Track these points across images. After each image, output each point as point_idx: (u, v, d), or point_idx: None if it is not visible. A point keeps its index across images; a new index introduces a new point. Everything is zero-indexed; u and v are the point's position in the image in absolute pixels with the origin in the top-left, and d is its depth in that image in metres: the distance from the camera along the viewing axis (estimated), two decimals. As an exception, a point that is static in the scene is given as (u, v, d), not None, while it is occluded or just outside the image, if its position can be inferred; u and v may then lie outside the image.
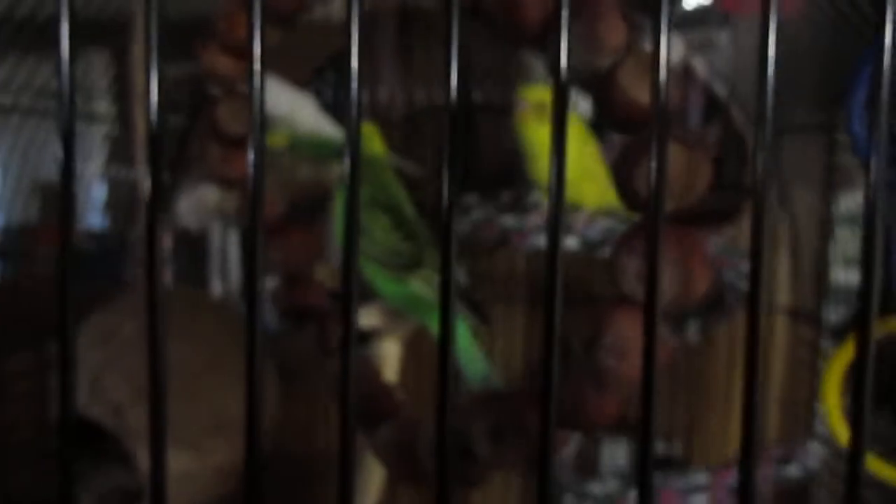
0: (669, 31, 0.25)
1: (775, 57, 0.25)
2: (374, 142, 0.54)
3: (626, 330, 0.35)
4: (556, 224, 0.26)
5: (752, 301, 0.25)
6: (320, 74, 0.98)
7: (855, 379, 0.25)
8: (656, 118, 0.25)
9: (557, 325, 0.26)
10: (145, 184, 0.26)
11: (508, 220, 0.74)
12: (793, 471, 0.84)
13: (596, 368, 0.35)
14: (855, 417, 0.25)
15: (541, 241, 0.74)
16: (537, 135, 0.70)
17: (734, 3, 0.87)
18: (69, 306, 0.26)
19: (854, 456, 0.25)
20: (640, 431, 0.26)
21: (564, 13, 0.25)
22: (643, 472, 0.26)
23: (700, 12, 0.89)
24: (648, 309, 0.26)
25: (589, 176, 0.72)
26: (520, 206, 0.76)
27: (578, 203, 0.74)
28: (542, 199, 0.75)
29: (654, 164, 0.25)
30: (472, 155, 0.94)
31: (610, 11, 0.37)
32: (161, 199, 0.26)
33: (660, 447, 0.98)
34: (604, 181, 0.70)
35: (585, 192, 0.73)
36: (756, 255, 0.25)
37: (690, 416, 0.92)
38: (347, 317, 0.26)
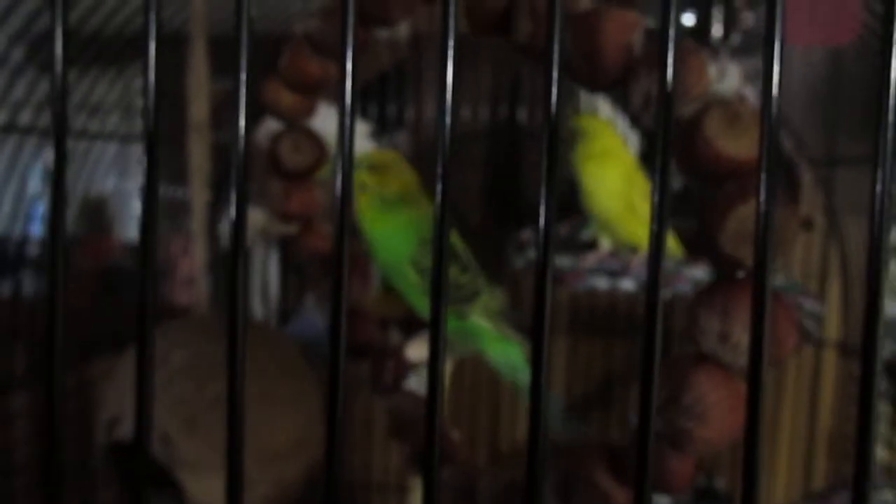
0: (781, 83, 0.24)
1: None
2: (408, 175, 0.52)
3: (706, 391, 0.34)
4: (656, 289, 0.24)
5: (868, 349, 0.24)
6: (364, 95, 0.98)
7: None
8: (764, 179, 0.24)
9: (654, 400, 0.24)
10: (231, 210, 0.24)
11: (563, 261, 0.72)
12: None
13: (673, 430, 0.34)
14: None
15: (598, 282, 0.72)
16: (592, 167, 0.69)
17: (783, 33, 0.85)
18: (148, 342, 0.25)
19: None
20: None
21: (670, 57, 0.24)
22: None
23: (748, 42, 0.88)
24: (753, 379, 0.24)
25: (637, 214, 0.70)
26: (574, 244, 0.74)
27: (633, 242, 0.73)
28: (597, 236, 0.73)
29: (761, 230, 0.24)
30: (519, 185, 0.93)
31: (693, 57, 0.35)
32: (244, 224, 0.25)
33: (701, 481, 0.96)
34: None
35: (637, 232, 0.71)
36: (872, 299, 0.24)
37: (734, 453, 0.90)
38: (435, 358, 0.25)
